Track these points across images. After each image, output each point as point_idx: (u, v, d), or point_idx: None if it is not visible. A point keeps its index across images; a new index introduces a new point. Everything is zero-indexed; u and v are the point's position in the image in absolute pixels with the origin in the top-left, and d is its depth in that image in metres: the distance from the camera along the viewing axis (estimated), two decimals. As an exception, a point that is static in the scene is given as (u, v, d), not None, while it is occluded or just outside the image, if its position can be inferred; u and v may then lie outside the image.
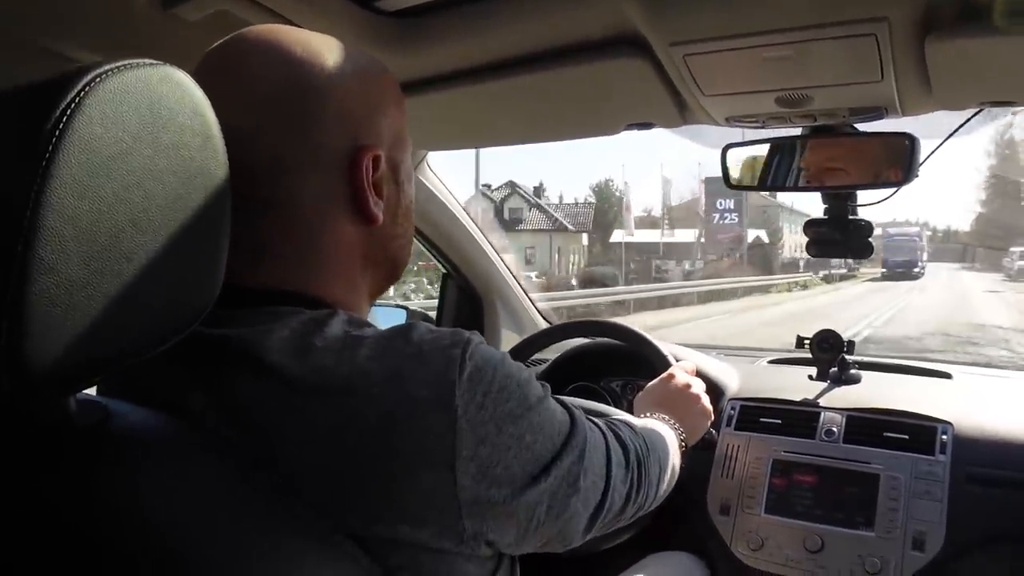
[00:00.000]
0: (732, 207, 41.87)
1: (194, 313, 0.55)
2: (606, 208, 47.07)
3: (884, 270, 38.21)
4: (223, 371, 0.62)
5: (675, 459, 1.04)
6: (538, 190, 45.56)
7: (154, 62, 0.52)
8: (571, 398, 1.47)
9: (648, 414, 1.14)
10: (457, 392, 0.61)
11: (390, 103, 0.75)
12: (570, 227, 39.56)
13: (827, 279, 37.01)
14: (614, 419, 0.92)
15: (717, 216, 42.45)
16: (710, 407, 1.27)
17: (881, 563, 1.28)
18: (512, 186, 39.52)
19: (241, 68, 0.68)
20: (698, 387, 1.27)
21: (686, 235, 43.27)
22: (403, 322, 1.82)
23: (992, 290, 27.19)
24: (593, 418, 0.82)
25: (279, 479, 0.59)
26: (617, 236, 41.79)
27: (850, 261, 34.87)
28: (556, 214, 40.07)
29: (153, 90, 0.51)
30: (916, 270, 37.16)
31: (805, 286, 32.62)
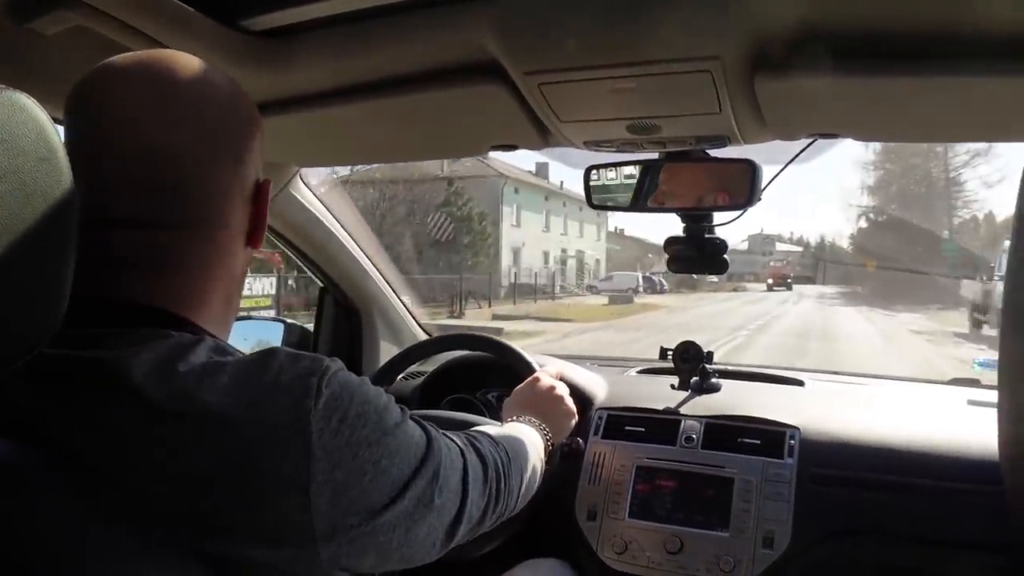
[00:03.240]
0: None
1: (40, 332, 0.55)
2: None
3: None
4: (86, 392, 0.62)
5: (539, 461, 1.09)
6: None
7: None
8: (442, 411, 1.50)
9: (515, 417, 1.19)
10: (312, 419, 0.62)
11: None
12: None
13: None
14: (475, 433, 0.95)
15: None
16: (574, 407, 1.33)
17: (734, 561, 1.36)
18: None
19: (176, 93, 0.69)
20: (562, 389, 1.33)
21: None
22: (278, 336, 1.81)
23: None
24: (451, 435, 0.85)
25: (131, 500, 0.59)
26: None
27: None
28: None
29: None
30: None
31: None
